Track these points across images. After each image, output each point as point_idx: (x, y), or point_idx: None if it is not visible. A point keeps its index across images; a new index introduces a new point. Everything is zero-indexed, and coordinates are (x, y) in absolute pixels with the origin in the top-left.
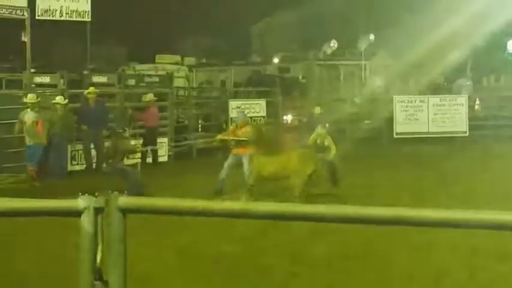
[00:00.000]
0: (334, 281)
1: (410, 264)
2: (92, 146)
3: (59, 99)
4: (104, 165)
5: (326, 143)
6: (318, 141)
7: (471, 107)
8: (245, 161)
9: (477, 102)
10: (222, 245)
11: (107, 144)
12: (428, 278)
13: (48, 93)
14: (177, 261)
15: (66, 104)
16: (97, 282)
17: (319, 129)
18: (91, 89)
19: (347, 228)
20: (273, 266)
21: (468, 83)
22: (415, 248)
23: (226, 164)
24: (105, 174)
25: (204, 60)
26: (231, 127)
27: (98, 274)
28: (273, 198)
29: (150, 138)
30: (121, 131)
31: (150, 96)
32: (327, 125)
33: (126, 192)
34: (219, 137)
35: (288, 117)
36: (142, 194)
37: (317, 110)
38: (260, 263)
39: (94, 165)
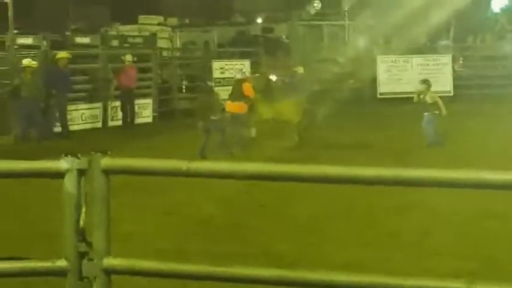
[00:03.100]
0: (317, 240)
1: (393, 224)
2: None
3: (27, 62)
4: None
5: (429, 100)
6: (421, 97)
7: (453, 68)
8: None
9: (458, 64)
10: (205, 205)
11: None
12: (411, 238)
13: (32, 55)
14: (160, 222)
15: (36, 67)
16: (81, 243)
17: (419, 87)
18: (64, 53)
19: (331, 188)
20: (257, 226)
21: (451, 43)
22: (397, 207)
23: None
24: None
25: (187, 21)
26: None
27: (82, 235)
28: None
29: (126, 99)
30: (209, 85)
31: (128, 57)
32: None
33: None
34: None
35: (272, 78)
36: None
37: (300, 69)
38: (244, 224)
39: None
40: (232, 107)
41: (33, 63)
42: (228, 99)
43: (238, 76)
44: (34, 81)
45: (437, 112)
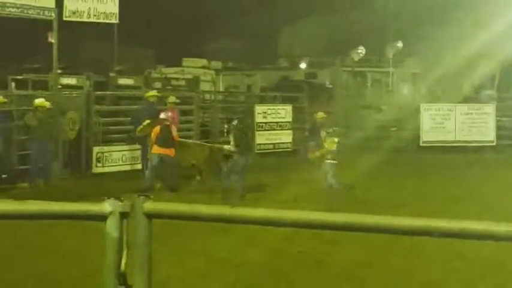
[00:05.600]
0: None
1: (432, 274)
2: None
3: (40, 102)
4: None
5: (327, 147)
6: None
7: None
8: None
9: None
10: (246, 251)
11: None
12: None
13: (75, 95)
14: (201, 266)
15: (49, 108)
16: (121, 287)
17: (323, 133)
18: (153, 92)
19: (370, 236)
20: (296, 273)
21: (495, 93)
22: (437, 257)
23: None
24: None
25: (230, 65)
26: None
27: (123, 278)
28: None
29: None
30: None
31: (171, 98)
32: (335, 128)
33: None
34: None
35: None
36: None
37: (319, 115)
38: (283, 270)
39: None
40: (164, 151)
41: (46, 103)
42: (156, 144)
43: (163, 116)
44: (45, 122)
45: (334, 161)
